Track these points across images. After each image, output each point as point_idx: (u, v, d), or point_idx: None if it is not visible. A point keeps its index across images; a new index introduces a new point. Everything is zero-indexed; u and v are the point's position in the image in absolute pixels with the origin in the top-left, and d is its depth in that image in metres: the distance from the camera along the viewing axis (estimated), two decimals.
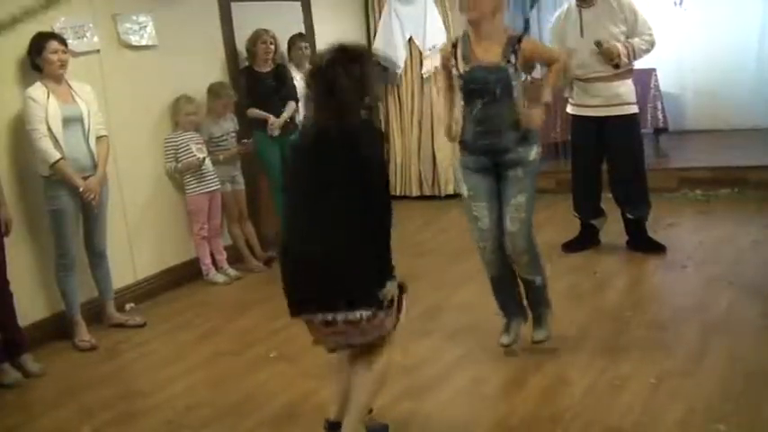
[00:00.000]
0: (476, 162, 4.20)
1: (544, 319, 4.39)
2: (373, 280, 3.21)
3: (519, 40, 4.10)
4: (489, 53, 4.09)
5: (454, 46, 4.21)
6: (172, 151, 6.05)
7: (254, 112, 6.54)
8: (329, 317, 3.19)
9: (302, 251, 3.24)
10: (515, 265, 4.23)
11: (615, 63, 5.52)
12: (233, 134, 6.40)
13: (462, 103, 4.24)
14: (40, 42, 4.91)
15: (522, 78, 4.22)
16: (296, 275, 3.28)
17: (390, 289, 3.24)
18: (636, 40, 5.54)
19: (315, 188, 3.24)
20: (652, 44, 5.61)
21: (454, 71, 4.18)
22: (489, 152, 4.14)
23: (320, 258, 3.19)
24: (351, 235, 3.17)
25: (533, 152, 4.14)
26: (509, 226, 4.11)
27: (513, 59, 4.06)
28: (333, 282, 3.18)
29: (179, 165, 6.02)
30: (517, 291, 4.40)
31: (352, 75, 3.21)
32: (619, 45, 5.49)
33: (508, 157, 4.11)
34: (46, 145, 4.83)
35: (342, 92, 3.19)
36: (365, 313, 3.17)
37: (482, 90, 4.08)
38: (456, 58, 4.16)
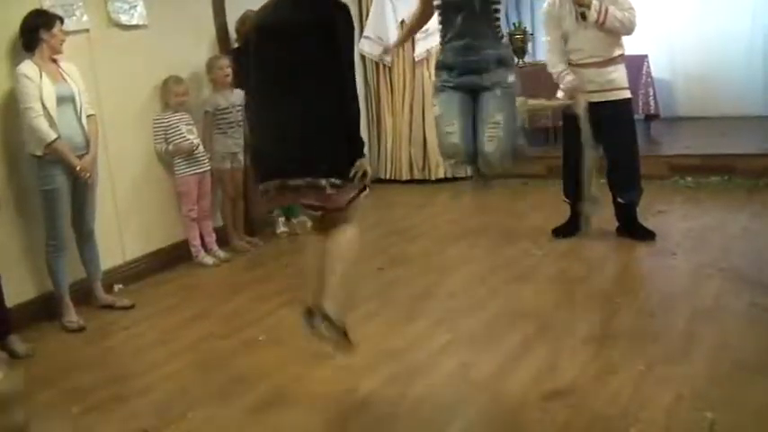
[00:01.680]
0: (452, 80, 4.22)
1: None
2: (343, 154, 3.39)
3: None
4: None
5: None
6: (161, 132, 6.01)
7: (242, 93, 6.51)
8: (298, 181, 3.37)
9: (272, 122, 3.39)
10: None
11: (582, 11, 5.48)
12: (239, 107, 6.34)
13: (441, 26, 4.27)
14: (47, 19, 4.89)
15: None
16: (265, 144, 3.46)
17: (361, 164, 3.43)
18: (612, 8, 5.48)
19: (284, 65, 3.34)
20: (630, 21, 5.53)
21: None
22: (468, 70, 4.15)
23: (290, 128, 3.34)
24: (321, 109, 3.32)
25: (511, 76, 4.16)
26: (485, 145, 4.12)
27: None
28: (303, 149, 3.34)
29: (170, 147, 5.99)
30: None
31: None
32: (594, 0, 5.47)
33: (486, 77, 4.12)
34: (42, 124, 4.78)
35: None
36: (333, 181, 3.35)
37: (460, 4, 4.09)
38: None
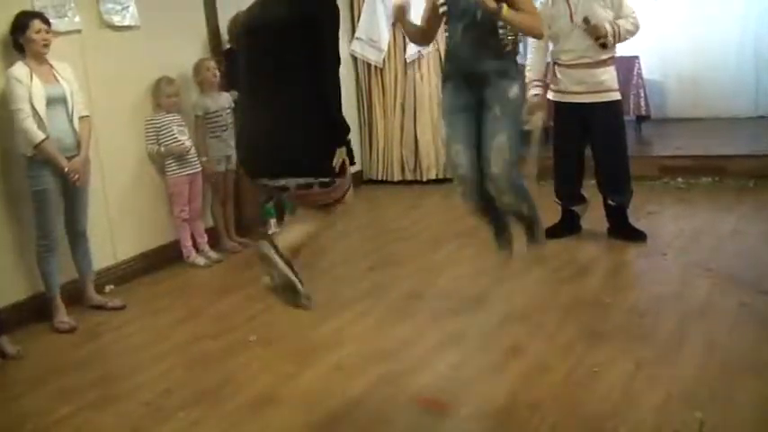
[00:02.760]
0: (455, 96, 4.23)
1: (538, 232, 4.52)
2: (326, 148, 3.33)
3: None
4: None
5: None
6: (153, 133, 6.01)
7: (234, 94, 6.52)
8: (282, 182, 3.36)
9: (258, 121, 3.37)
10: (499, 203, 4.27)
11: (602, 42, 5.54)
12: (228, 110, 6.38)
13: (446, 34, 4.28)
14: (23, 21, 4.87)
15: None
16: (250, 144, 3.45)
17: (340, 153, 3.35)
18: (621, 21, 5.58)
19: (268, 62, 3.32)
20: (636, 26, 5.67)
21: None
22: (468, 82, 4.16)
23: (272, 128, 3.32)
24: (303, 103, 3.29)
25: (513, 89, 4.15)
26: (491, 168, 4.13)
27: None
28: (286, 151, 3.31)
29: (161, 149, 5.99)
30: (501, 213, 4.45)
31: None
32: (606, 24, 5.52)
33: (487, 92, 4.13)
34: (30, 125, 4.78)
35: None
36: (319, 180, 3.33)
37: (462, 12, 4.11)
38: None
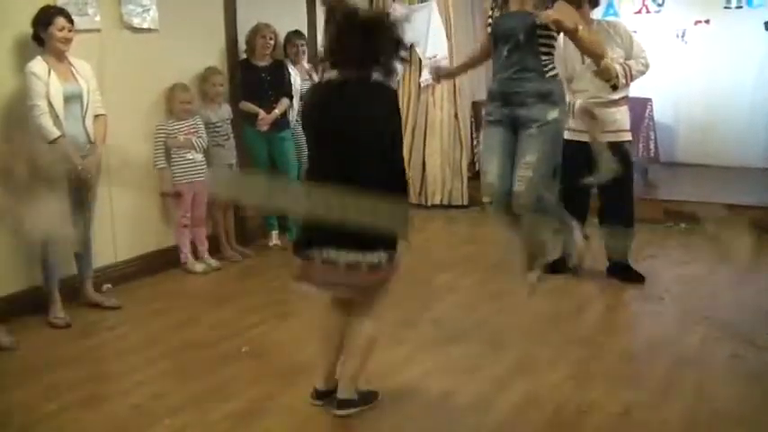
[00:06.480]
0: (495, 113, 4.36)
1: (568, 240, 4.60)
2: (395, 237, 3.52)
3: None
4: (523, 6, 4.27)
5: (494, 0, 4.42)
6: (162, 139, 6.05)
7: (246, 105, 6.56)
8: (335, 256, 3.44)
9: (329, 201, 3.39)
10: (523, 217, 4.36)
11: (613, 83, 5.56)
12: (228, 121, 6.43)
13: (492, 57, 4.43)
14: (47, 16, 4.90)
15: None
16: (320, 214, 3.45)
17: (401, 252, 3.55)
18: (632, 62, 5.60)
19: (342, 153, 3.44)
20: (647, 66, 5.69)
21: (489, 20, 4.38)
22: (509, 102, 4.26)
23: (351, 210, 3.34)
24: (381, 191, 3.35)
25: (554, 113, 4.24)
26: (516, 184, 4.23)
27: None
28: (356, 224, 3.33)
29: (169, 141, 6.07)
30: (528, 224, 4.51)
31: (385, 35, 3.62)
32: (617, 65, 5.53)
33: (525, 112, 4.24)
34: (46, 122, 4.81)
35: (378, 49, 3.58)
36: (376, 258, 3.46)
37: (507, 36, 4.22)
38: (493, 10, 4.39)
